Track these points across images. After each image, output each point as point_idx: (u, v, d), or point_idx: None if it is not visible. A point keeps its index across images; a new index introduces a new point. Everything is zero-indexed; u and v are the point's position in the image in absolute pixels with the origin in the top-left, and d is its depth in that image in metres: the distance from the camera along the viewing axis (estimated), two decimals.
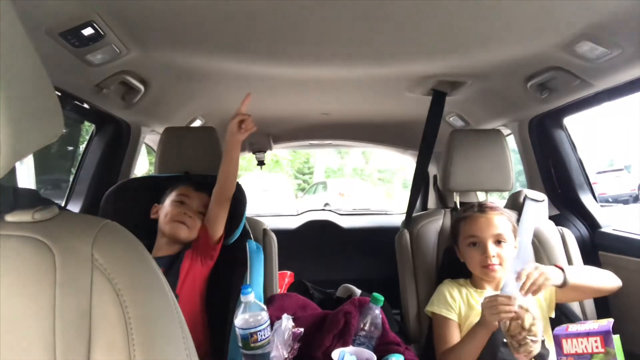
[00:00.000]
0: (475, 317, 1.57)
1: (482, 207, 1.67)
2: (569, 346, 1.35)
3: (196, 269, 1.58)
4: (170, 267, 1.53)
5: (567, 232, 1.87)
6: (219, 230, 1.61)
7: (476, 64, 1.80)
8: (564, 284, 1.45)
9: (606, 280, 1.59)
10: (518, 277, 1.40)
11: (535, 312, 1.37)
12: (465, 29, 1.47)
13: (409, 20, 1.39)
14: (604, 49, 1.44)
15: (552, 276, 1.42)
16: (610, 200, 11.65)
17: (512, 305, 1.35)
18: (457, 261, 1.73)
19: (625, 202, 11.94)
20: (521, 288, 1.39)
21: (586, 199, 2.17)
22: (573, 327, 1.38)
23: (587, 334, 1.33)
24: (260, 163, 3.44)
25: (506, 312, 1.35)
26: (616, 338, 1.31)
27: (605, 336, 1.30)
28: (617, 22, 1.31)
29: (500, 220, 1.61)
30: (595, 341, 1.31)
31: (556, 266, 1.49)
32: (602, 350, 1.29)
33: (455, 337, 1.59)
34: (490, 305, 1.39)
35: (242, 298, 1.31)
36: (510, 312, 1.35)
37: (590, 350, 1.31)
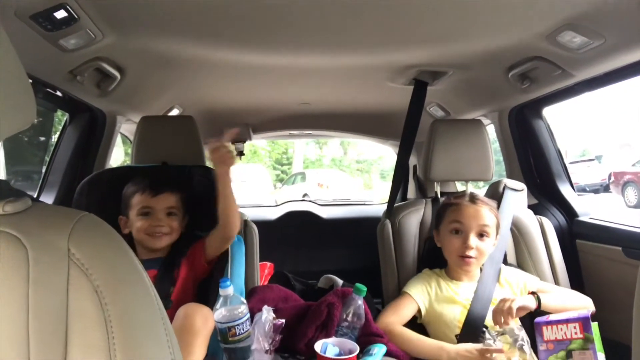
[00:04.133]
0: (446, 307, 1.59)
1: (473, 198, 1.68)
2: (549, 333, 1.38)
3: (192, 276, 1.56)
4: (165, 270, 1.51)
5: (545, 221, 1.90)
6: (214, 256, 1.59)
7: (458, 54, 1.80)
8: (538, 307, 1.48)
9: (580, 304, 1.58)
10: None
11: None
12: (448, 19, 1.46)
13: (390, 9, 1.37)
14: (586, 38, 1.45)
15: (524, 302, 1.45)
16: (588, 189, 12.00)
17: None
18: (436, 250, 1.74)
19: (596, 191, 12.30)
20: (495, 322, 1.44)
21: (564, 188, 2.20)
22: (554, 316, 1.41)
23: (567, 321, 1.36)
24: (240, 154, 3.39)
25: None
26: (594, 325, 1.34)
27: (584, 322, 1.33)
28: (600, 11, 1.32)
29: (488, 214, 1.62)
30: (575, 327, 1.34)
31: (530, 293, 1.53)
32: (581, 335, 1.33)
33: (405, 314, 1.61)
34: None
35: (221, 291, 1.28)
36: None
37: (569, 336, 1.35)
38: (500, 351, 1.36)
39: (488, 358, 1.36)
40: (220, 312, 1.27)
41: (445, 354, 1.44)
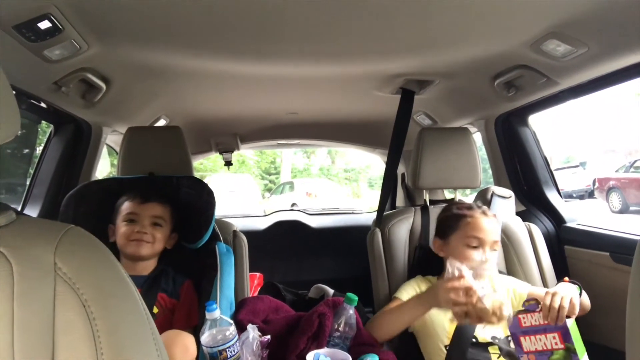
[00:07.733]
0: (436, 315, 1.56)
1: (485, 212, 1.62)
2: (528, 344, 1.35)
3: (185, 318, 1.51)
4: (148, 289, 1.48)
5: (534, 227, 1.91)
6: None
7: (444, 63, 1.81)
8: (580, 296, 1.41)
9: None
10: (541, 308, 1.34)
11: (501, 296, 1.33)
12: (434, 28, 1.47)
13: (376, 19, 1.38)
14: (570, 47, 1.47)
15: (574, 293, 1.37)
16: (575, 195, 12.18)
17: (470, 297, 1.28)
18: (427, 259, 1.74)
19: (581, 197, 12.48)
20: (549, 319, 1.32)
21: (551, 194, 2.22)
22: (527, 320, 1.37)
23: (545, 330, 1.33)
24: (228, 163, 3.37)
25: (460, 304, 1.29)
26: (572, 322, 1.31)
27: (563, 333, 1.30)
28: (583, 20, 1.34)
29: (498, 228, 1.60)
30: (554, 337, 1.31)
31: (565, 281, 1.46)
32: (562, 346, 1.30)
33: None
34: (449, 291, 1.31)
35: (208, 315, 1.25)
36: (463, 306, 1.29)
37: (549, 347, 1.31)
38: (460, 277, 1.30)
39: (450, 288, 1.30)
40: (208, 336, 1.23)
41: (424, 299, 1.45)
